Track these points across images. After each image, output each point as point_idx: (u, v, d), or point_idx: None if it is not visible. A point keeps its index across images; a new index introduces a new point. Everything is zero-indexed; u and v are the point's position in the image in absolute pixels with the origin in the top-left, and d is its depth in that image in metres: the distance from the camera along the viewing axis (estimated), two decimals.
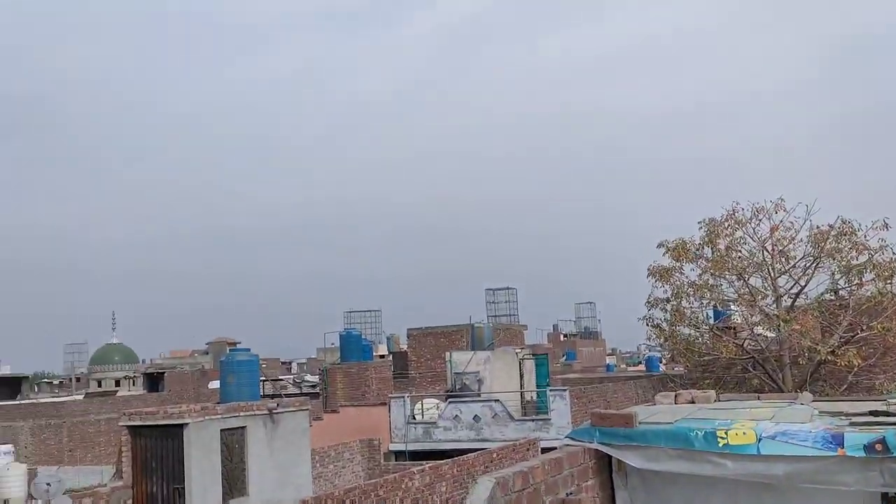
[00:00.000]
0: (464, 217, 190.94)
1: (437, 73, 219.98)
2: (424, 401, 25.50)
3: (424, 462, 17.87)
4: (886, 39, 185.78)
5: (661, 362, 48.62)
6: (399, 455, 23.29)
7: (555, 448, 6.65)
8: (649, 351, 44.97)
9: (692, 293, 27.73)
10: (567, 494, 5.94)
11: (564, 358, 62.49)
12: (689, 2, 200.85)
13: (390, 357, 43.57)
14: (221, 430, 16.63)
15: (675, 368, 36.09)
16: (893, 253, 25.52)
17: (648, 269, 28.01)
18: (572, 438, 6.81)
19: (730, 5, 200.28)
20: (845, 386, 24.38)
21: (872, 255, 25.77)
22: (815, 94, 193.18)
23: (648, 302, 28.33)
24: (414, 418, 24.03)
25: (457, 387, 25.50)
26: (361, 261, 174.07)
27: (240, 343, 58.52)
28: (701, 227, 27.71)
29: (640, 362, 63.63)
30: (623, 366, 68.92)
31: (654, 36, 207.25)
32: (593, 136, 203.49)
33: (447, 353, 28.02)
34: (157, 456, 16.13)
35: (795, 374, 25.64)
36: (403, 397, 24.52)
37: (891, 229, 25.49)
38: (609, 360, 69.82)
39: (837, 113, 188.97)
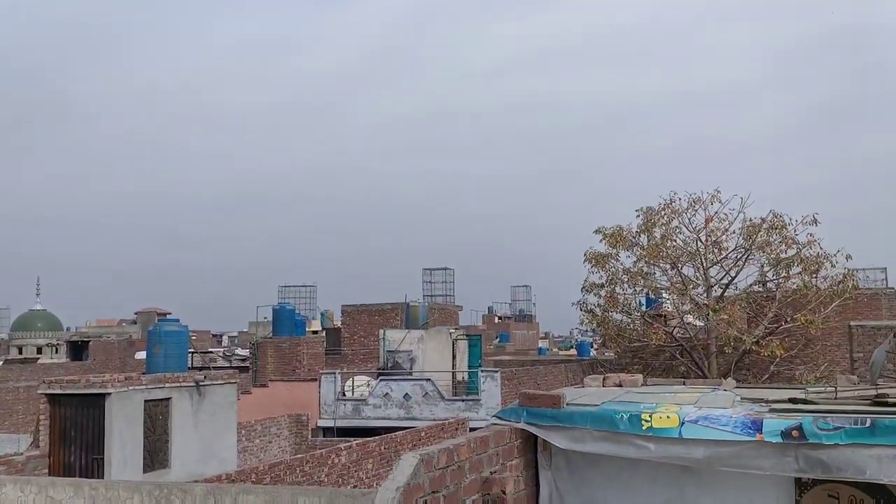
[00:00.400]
0: (405, 196, 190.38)
1: (389, 50, 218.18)
2: (355, 378, 25.39)
3: (352, 439, 17.78)
4: (833, 39, 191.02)
5: (592, 347, 49.39)
6: (327, 431, 23.15)
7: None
8: (581, 336, 45.64)
9: (626, 280, 28.13)
10: (491, 473, 5.91)
11: (498, 340, 62.97)
12: None
13: (324, 333, 43.29)
14: (145, 401, 16.27)
15: (606, 354, 36.68)
16: (820, 248, 26.31)
17: (585, 255, 28.31)
18: (499, 418, 6.78)
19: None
20: (767, 375, 25.09)
21: (800, 250, 26.51)
22: (765, 91, 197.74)
23: (583, 287, 28.67)
24: (344, 395, 23.91)
25: (389, 365, 25.45)
26: (300, 235, 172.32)
27: (170, 314, 57.36)
28: (638, 216, 28.12)
29: (572, 346, 64.50)
30: (555, 349, 69.78)
31: (603, 26, 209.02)
32: (539, 123, 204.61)
33: (381, 331, 27.94)
34: (76, 425, 15.68)
35: (721, 363, 26.27)
36: (334, 373, 24.37)
37: (820, 225, 26.30)
38: (542, 344, 70.63)
39: (782, 111, 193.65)
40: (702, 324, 27.90)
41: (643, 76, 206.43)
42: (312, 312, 62.06)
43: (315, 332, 45.07)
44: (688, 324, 28.50)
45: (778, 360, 25.22)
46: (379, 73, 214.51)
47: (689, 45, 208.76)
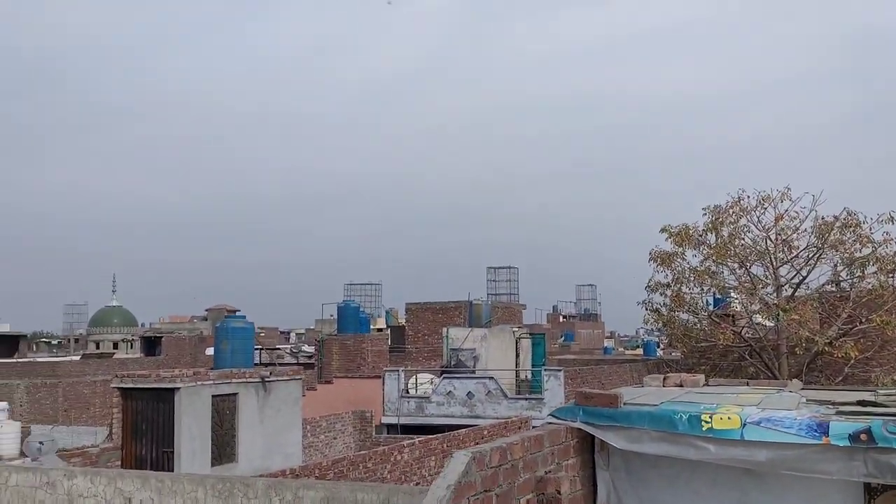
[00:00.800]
0: (472, 196, 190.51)
1: (450, 50, 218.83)
2: (419, 375, 25.52)
3: (416, 436, 17.87)
4: None
5: (658, 347, 48.62)
6: (391, 428, 23.32)
7: None
8: (647, 335, 44.98)
9: (693, 279, 27.63)
10: (546, 472, 5.86)
11: (563, 339, 62.52)
12: None
13: (388, 331, 43.61)
14: (213, 396, 16.61)
15: (673, 354, 36.09)
16: None
17: (650, 254, 27.94)
18: (556, 417, 6.71)
19: None
20: (841, 377, 24.32)
21: (876, 248, 25.64)
22: (831, 85, 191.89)
23: (648, 286, 28.27)
24: (407, 392, 24.05)
25: (452, 363, 25.50)
26: (368, 234, 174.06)
27: (239, 311, 58.60)
28: (705, 214, 27.57)
29: (638, 346, 63.64)
30: (621, 349, 68.95)
31: (669, 23, 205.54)
32: (603, 119, 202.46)
33: (444, 329, 28.00)
34: (147, 419, 16.11)
35: (792, 364, 25.58)
36: (398, 371, 24.54)
37: None
38: (607, 343, 69.82)
39: (852, 104, 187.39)
40: (771, 324, 27.20)
41: (709, 71, 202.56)
42: (377, 310, 62.67)
43: (380, 330, 45.46)
44: (757, 324, 27.83)
45: (852, 361, 24.39)
46: (439, 72, 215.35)
47: (757, 38, 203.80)
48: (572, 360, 38.36)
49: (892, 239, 25.45)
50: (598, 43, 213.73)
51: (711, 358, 27.44)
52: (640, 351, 56.17)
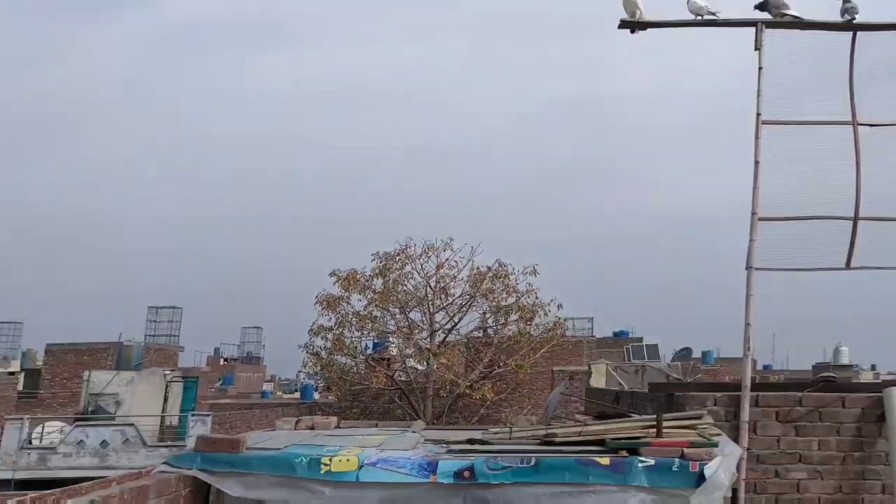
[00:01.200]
0: (135, 235, 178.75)
1: (141, 77, 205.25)
2: (47, 424, 22.89)
3: (30, 492, 15.79)
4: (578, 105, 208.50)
5: (316, 390, 48.84)
6: (4, 484, 20.51)
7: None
8: (307, 378, 45.01)
9: (355, 323, 28.19)
10: None
11: (220, 382, 60.51)
12: (385, 51, 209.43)
13: (22, 374, 39.09)
14: None
15: (329, 397, 36.42)
16: (537, 297, 28.07)
17: (316, 297, 28.09)
18: (169, 465, 6.25)
19: (424, 60, 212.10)
20: (477, 418, 26.10)
21: (519, 298, 28.10)
22: (512, 148, 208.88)
23: (311, 330, 28.31)
24: (30, 443, 21.42)
25: (90, 409, 23.32)
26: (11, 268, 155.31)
27: None
28: (374, 260, 28.39)
29: (296, 390, 63.48)
30: (279, 393, 68.33)
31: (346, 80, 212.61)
32: (281, 163, 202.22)
33: (85, 373, 25.64)
34: None
35: (436, 406, 26.95)
36: (21, 419, 21.79)
37: (539, 275, 28.12)
38: (266, 387, 68.77)
39: (533, 167, 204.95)
40: (423, 367, 28.54)
41: (386, 130, 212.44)
42: (14, 352, 56.16)
43: (11, 374, 40.41)
44: (410, 367, 29.03)
45: (488, 402, 26.35)
46: (126, 100, 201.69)
47: (440, 101, 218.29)
48: (227, 405, 37.06)
49: (533, 290, 28.10)
50: (288, 90, 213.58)
51: (363, 401, 28.04)
52: (297, 394, 55.92)
